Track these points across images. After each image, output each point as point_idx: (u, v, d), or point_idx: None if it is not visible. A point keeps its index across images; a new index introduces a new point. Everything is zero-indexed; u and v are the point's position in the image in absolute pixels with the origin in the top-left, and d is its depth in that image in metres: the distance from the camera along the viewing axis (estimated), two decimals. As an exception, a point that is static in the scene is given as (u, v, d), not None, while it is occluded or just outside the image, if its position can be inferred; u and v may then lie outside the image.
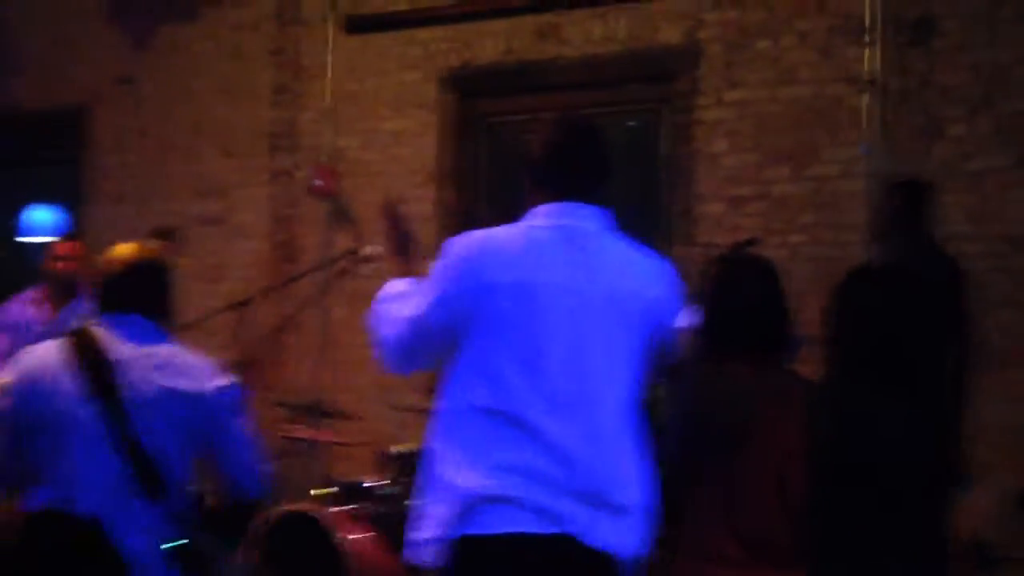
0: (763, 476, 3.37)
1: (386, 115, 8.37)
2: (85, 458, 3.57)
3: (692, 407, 3.40)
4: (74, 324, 4.04)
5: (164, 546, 3.63)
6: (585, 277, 3.09)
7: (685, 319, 3.60)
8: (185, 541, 3.66)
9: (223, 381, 3.76)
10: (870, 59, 7.05)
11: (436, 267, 3.16)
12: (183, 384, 3.66)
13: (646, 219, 7.85)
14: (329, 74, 8.53)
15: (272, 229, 8.58)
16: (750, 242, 5.20)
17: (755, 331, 3.48)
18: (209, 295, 8.10)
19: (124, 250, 3.86)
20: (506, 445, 2.93)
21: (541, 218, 3.21)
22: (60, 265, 6.76)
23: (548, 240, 3.13)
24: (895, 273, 3.68)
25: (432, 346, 3.19)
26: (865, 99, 7.04)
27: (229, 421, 3.76)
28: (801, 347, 3.64)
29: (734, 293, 3.53)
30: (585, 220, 3.19)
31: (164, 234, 6.04)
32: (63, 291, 6.75)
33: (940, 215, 6.90)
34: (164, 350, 3.72)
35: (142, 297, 3.79)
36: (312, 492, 6.66)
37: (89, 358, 3.63)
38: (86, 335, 3.70)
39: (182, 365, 3.70)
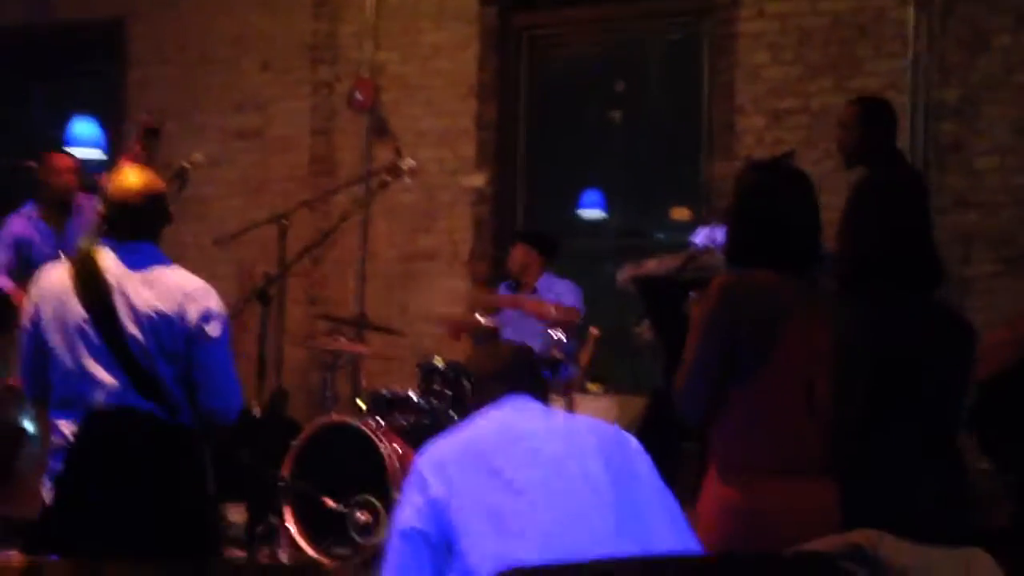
0: (792, 383, 3.38)
1: (426, 28, 8.31)
2: (90, 368, 3.95)
3: (720, 317, 3.40)
4: (80, 242, 4.31)
5: None
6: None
7: (719, 234, 3.60)
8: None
9: (207, 307, 4.04)
10: (914, -31, 6.95)
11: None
12: (167, 306, 3.97)
13: (687, 133, 7.82)
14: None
15: (311, 142, 8.57)
16: (787, 155, 5.19)
17: (786, 241, 3.47)
18: (249, 208, 8.13)
19: (135, 179, 4.18)
20: None
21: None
22: (63, 179, 6.86)
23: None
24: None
25: None
26: (909, 10, 6.94)
27: (204, 346, 4.03)
28: (831, 261, 3.66)
29: (766, 202, 3.52)
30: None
31: (151, 131, 6.01)
32: (60, 206, 6.87)
33: (985, 128, 6.84)
34: (158, 272, 4.04)
35: (148, 225, 4.14)
36: (355, 403, 6.73)
37: (88, 280, 4.00)
38: (87, 259, 4.05)
39: (169, 286, 4.01)
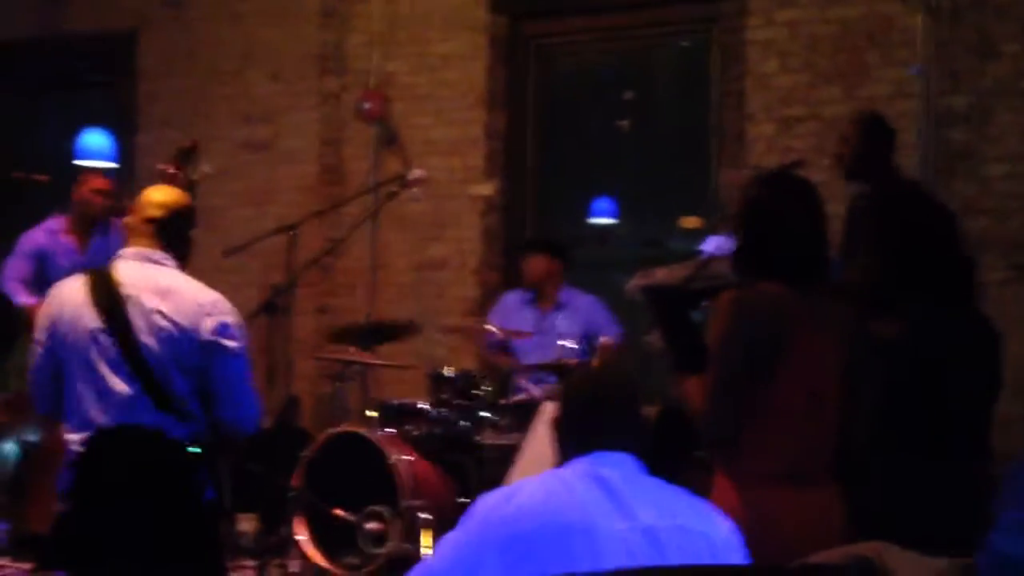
0: (800, 393, 3.38)
1: (435, 38, 8.32)
2: (104, 380, 3.95)
3: (734, 332, 3.39)
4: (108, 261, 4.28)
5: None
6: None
7: (729, 242, 3.59)
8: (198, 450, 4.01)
9: (222, 320, 4.04)
10: (923, -24, 6.94)
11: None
12: (183, 318, 3.97)
13: (697, 141, 7.82)
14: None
15: (320, 153, 8.58)
16: (796, 164, 5.17)
17: (791, 254, 3.47)
18: (257, 219, 8.13)
19: (161, 194, 4.25)
20: None
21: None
22: (99, 200, 6.90)
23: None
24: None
25: None
26: (918, 18, 6.93)
27: (220, 359, 4.03)
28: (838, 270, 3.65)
29: (771, 216, 3.51)
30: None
31: (187, 153, 6.03)
32: (91, 224, 6.90)
33: (995, 135, 6.82)
34: (174, 285, 4.04)
35: (170, 239, 4.15)
36: (365, 413, 6.73)
37: (104, 291, 4.00)
38: (104, 271, 4.07)
39: (185, 299, 4.01)
